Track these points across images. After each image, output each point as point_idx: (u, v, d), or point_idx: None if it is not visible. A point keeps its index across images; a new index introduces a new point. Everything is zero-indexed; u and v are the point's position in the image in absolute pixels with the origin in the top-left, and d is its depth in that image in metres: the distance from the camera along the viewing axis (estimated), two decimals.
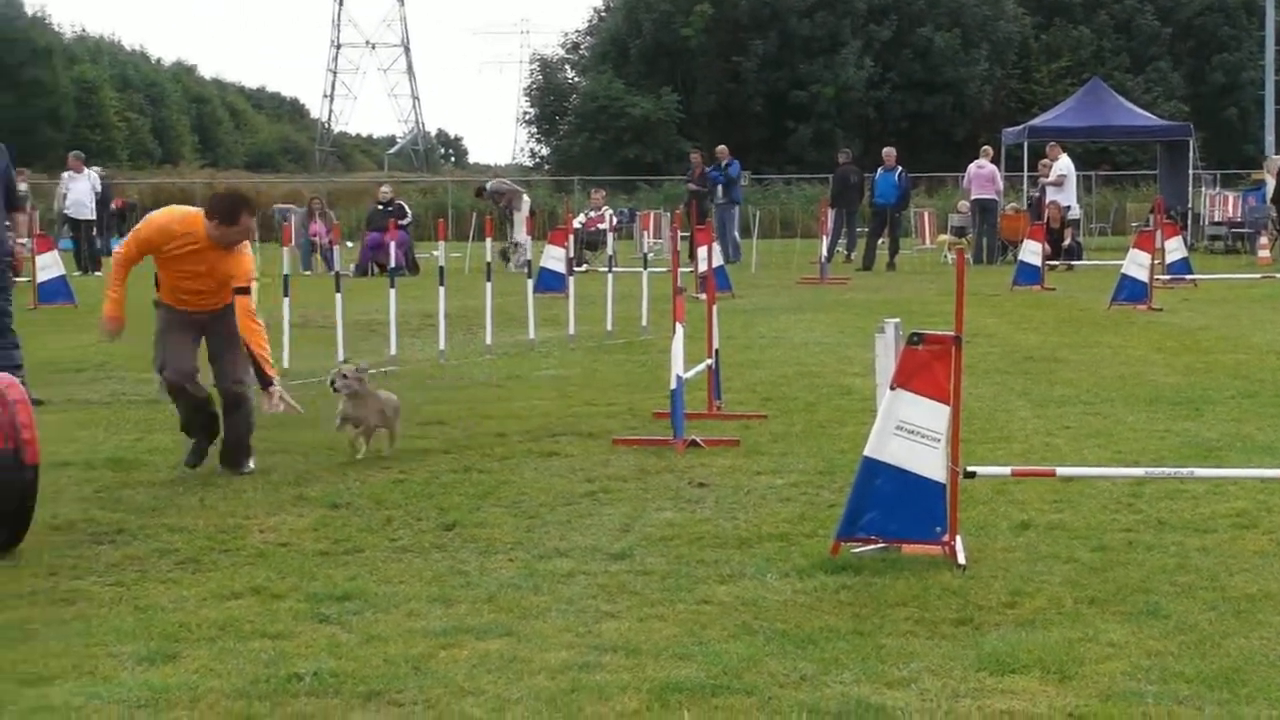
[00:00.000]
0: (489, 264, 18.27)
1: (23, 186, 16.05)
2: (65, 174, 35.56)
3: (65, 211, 35.21)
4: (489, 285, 17.57)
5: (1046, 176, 34.88)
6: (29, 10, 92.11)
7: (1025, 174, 39.47)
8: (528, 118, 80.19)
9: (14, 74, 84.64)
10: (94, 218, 35.69)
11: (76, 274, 30.81)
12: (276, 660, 6.09)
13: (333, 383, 10.56)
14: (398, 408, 10.83)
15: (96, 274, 33.46)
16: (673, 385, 10.98)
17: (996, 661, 5.99)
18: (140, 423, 12.35)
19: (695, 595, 7.03)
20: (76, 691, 5.68)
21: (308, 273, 33.23)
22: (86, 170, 35.62)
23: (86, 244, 35.04)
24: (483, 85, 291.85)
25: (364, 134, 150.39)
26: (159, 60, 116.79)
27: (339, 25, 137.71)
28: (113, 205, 45.82)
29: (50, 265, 25.56)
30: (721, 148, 36.29)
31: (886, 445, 7.61)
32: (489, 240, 18.98)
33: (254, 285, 10.25)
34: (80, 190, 34.75)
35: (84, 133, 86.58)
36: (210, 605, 6.93)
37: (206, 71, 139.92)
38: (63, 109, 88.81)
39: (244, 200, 10.26)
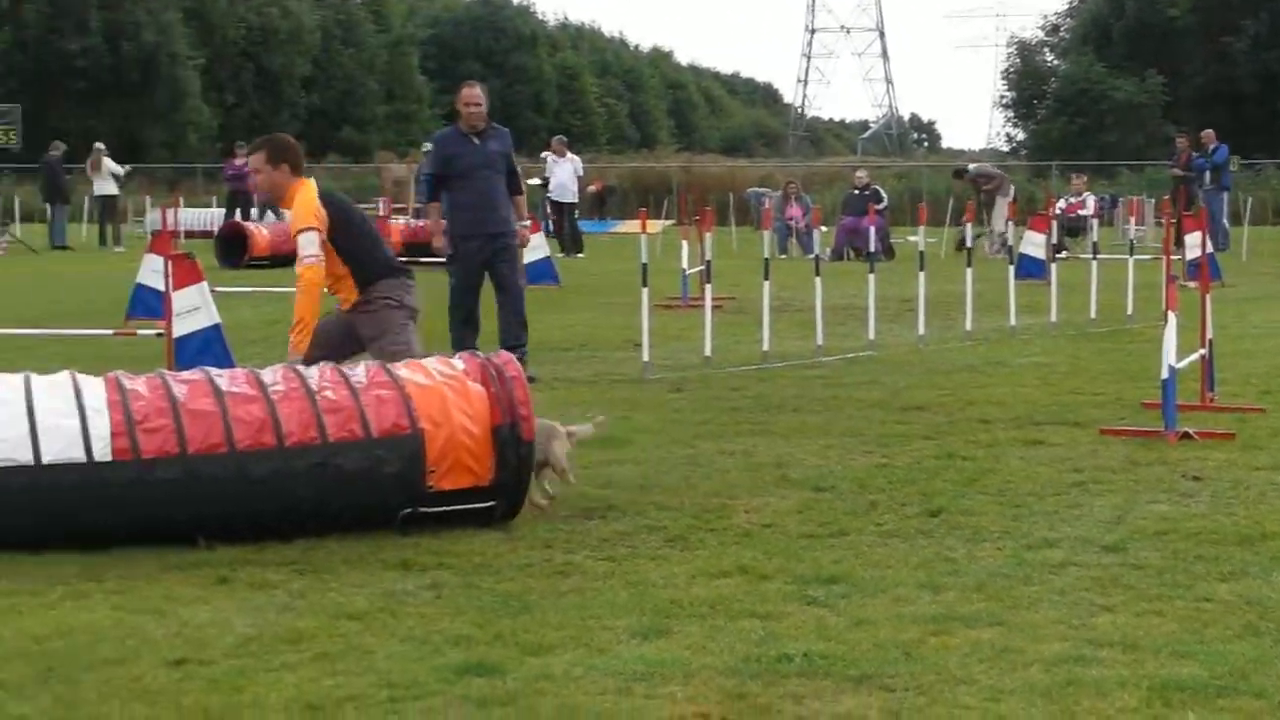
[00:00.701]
0: (969, 249, 18.06)
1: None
2: (549, 158, 36.58)
3: (549, 195, 36.24)
4: (969, 271, 17.36)
5: None
6: (514, 0, 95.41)
7: None
8: (1004, 101, 79.23)
9: (501, 60, 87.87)
10: (575, 200, 36.68)
11: (559, 255, 31.67)
12: (766, 640, 6.10)
13: None
14: (550, 431, 8.65)
15: (578, 255, 34.40)
16: (1164, 375, 10.63)
17: None
18: (624, 401, 12.59)
19: (1194, 592, 6.76)
20: (575, 662, 5.80)
21: (783, 256, 33.48)
22: (569, 154, 36.60)
23: (569, 226, 36.01)
24: (957, 69, 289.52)
25: (836, 118, 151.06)
26: (637, 46, 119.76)
27: (814, 10, 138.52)
28: (590, 188, 47.05)
29: (537, 247, 26.31)
30: (1208, 132, 35.09)
31: None
32: (968, 225, 18.77)
33: (302, 235, 9.39)
34: (563, 174, 35.73)
35: (565, 117, 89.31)
36: (699, 583, 7.00)
37: (683, 57, 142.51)
38: (545, 94, 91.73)
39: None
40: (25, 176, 49.77)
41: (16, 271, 29.73)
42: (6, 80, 64.57)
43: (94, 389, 7.84)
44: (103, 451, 7.57)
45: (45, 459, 7.51)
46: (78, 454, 7.55)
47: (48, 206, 40.56)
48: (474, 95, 14.02)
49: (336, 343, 9.70)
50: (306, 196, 9.48)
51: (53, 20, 68.53)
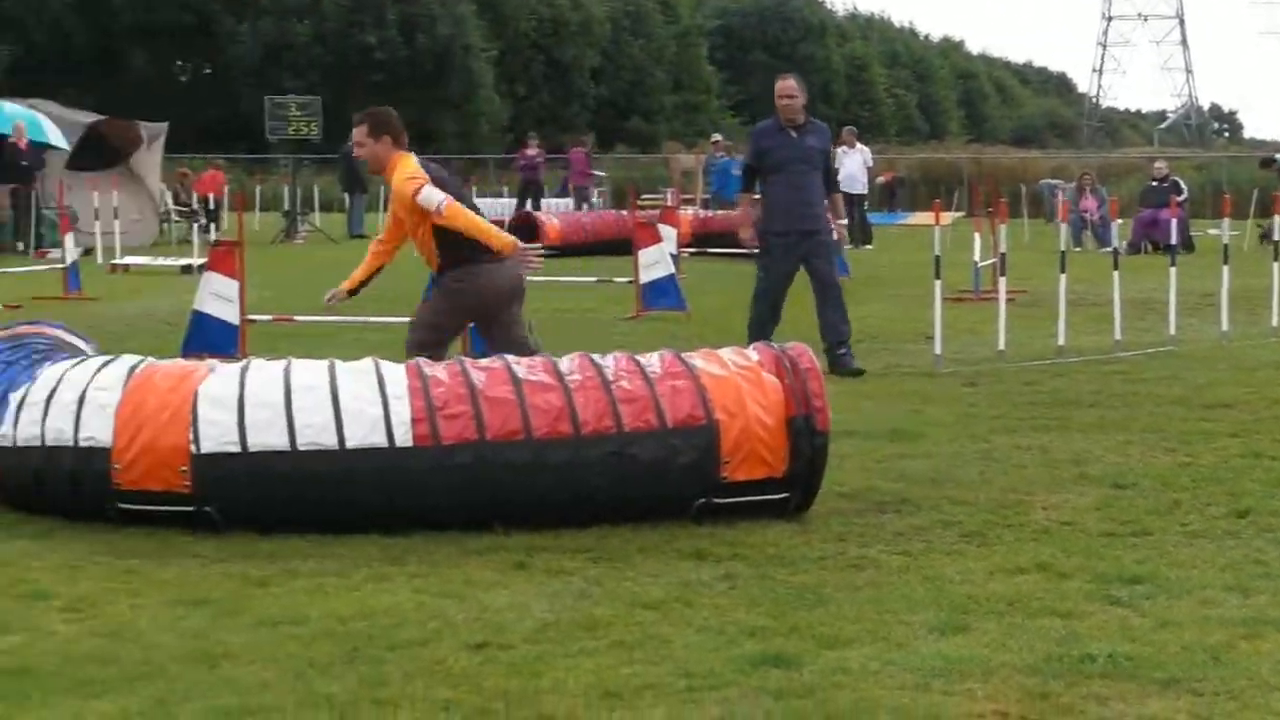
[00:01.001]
0: (1276, 242, 17.48)
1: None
2: (839, 149, 36.33)
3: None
4: (1275, 265, 16.82)
5: None
6: None
7: None
8: None
9: (789, 51, 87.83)
10: (865, 192, 36.42)
11: (849, 247, 31.44)
12: (1067, 639, 5.97)
13: None
14: None
15: (867, 247, 34.19)
16: None
17: None
18: (916, 394, 12.45)
19: None
20: (872, 656, 5.74)
21: (1077, 249, 32.84)
22: (858, 145, 36.36)
23: (859, 217, 35.75)
24: (1261, 56, 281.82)
25: (1132, 108, 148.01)
26: (927, 36, 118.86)
27: None
28: (880, 180, 46.69)
29: None
30: None
31: None
32: (1277, 217, 18.17)
33: (420, 194, 9.33)
34: (852, 165, 35.47)
35: (854, 108, 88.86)
36: (997, 579, 6.88)
37: (974, 46, 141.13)
38: (834, 85, 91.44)
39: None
40: (325, 167, 51.02)
41: (316, 260, 30.47)
42: (308, 73, 66.31)
43: (396, 375, 7.99)
44: (404, 437, 7.71)
45: (349, 444, 7.68)
46: (380, 439, 7.70)
47: (346, 196, 41.53)
48: (788, 88, 13.76)
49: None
50: (409, 164, 9.57)
51: (352, 14, 70.25)
